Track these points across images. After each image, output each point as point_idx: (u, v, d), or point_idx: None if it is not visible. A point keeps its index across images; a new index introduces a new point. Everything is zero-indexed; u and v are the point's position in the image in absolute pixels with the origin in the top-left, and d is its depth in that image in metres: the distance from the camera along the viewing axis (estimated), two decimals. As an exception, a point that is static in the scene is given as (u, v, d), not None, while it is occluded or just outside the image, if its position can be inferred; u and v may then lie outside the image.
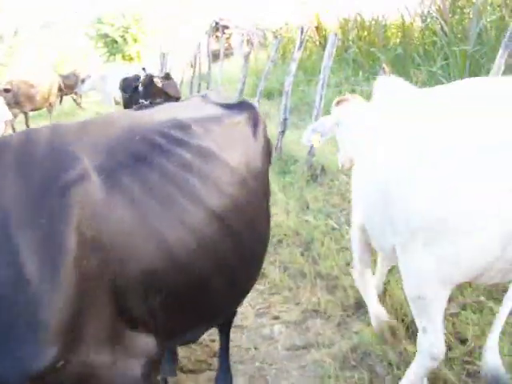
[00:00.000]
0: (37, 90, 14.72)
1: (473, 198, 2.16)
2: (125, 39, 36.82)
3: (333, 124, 4.00)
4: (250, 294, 4.55)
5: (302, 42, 7.25)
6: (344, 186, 6.16)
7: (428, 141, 2.34)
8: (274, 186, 6.35)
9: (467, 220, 2.19)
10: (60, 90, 19.23)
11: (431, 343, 2.54)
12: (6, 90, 13.64)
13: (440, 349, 2.53)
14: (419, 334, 2.60)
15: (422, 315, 2.58)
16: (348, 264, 4.59)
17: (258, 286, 4.68)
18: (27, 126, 14.52)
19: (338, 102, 3.98)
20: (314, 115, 6.90)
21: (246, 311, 4.34)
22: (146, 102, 8.43)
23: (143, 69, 12.65)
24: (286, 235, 5.42)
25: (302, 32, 7.19)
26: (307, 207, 5.94)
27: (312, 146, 6.19)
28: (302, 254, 5.00)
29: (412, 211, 2.34)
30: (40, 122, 18.08)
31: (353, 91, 8.69)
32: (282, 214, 5.79)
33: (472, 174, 2.17)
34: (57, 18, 46.18)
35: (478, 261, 2.29)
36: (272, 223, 5.62)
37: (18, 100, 14.05)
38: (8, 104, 13.87)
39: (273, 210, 5.86)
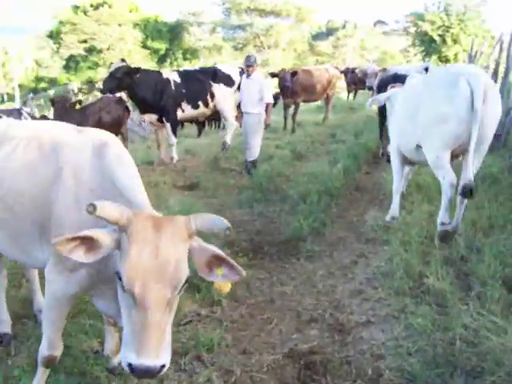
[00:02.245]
0: (316, 80, 13.80)
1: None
2: (444, 39, 34.17)
3: (385, 97, 6.74)
4: None
5: None
6: None
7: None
8: None
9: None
10: (354, 83, 18.40)
11: (447, 180, 5.12)
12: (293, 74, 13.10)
13: (452, 179, 5.06)
14: (441, 180, 5.24)
15: (438, 169, 5.25)
16: None
17: None
18: (293, 118, 13.73)
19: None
20: None
21: None
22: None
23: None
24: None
25: None
26: None
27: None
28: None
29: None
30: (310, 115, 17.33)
31: None
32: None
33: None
34: (388, 18, 46.45)
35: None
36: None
37: (294, 89, 13.31)
38: (284, 95, 13.27)
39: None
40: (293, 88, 13.20)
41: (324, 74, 14.03)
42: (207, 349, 3.80)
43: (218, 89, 11.00)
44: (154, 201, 7.74)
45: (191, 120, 12.59)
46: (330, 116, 15.08)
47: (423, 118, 5.33)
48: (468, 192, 4.87)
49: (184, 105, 10.75)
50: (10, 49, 46.78)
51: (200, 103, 10.93)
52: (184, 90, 10.68)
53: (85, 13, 58.15)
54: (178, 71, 11.09)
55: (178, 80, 10.67)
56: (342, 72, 19.80)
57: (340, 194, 7.34)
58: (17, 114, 8.24)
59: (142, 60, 53.91)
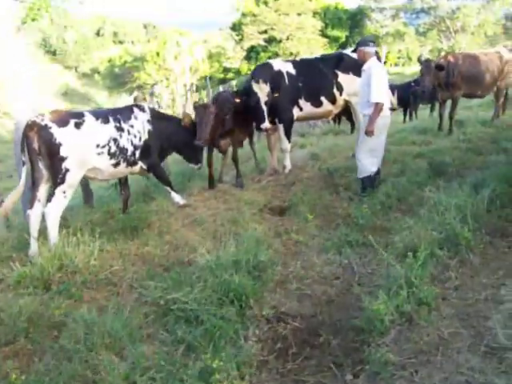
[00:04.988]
0: (484, 68, 10.78)
1: None
2: None
3: None
4: None
5: None
6: None
7: None
8: None
9: None
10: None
11: None
12: (439, 67, 10.28)
13: None
14: None
15: None
16: None
17: None
18: (451, 116, 10.84)
19: None
20: None
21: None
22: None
23: None
24: None
25: None
26: None
27: None
28: None
29: None
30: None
31: None
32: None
33: None
34: None
35: None
36: None
37: (453, 79, 10.52)
38: (440, 85, 10.66)
39: None
40: (449, 79, 10.44)
41: (494, 61, 10.88)
42: None
43: (347, 79, 8.79)
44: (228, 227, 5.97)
45: (317, 119, 10.44)
46: (501, 114, 11.84)
47: None
48: None
49: (302, 102, 8.73)
50: (183, 42, 48.32)
51: (323, 99, 8.81)
52: (301, 84, 8.66)
53: (266, 4, 58.41)
54: (292, 61, 9.06)
55: (293, 71, 8.67)
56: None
57: (472, 245, 4.81)
58: (127, 113, 6.94)
59: (321, 48, 52.70)
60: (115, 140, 6.50)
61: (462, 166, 7.95)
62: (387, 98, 6.97)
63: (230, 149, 8.57)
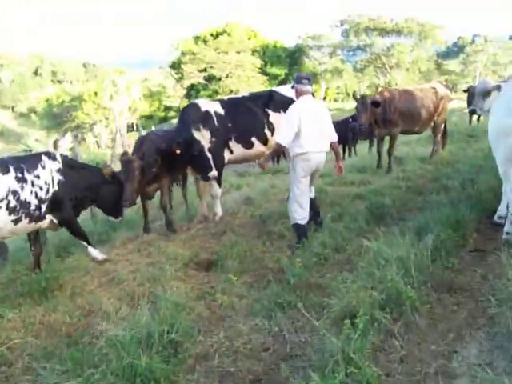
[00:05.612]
0: (420, 104, 10.56)
1: None
2: None
3: None
4: None
5: None
6: None
7: None
8: None
9: None
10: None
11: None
12: (375, 104, 9.94)
13: None
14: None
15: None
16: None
17: None
18: (389, 154, 10.52)
19: None
20: None
21: None
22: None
23: None
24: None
25: None
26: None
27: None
28: None
29: None
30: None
31: None
32: None
33: None
34: None
35: None
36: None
37: (390, 117, 10.23)
38: (377, 122, 10.30)
39: None
40: (386, 115, 10.15)
41: (430, 96, 10.69)
42: None
43: (278, 118, 8.18)
44: (147, 287, 5.13)
45: (248, 161, 9.81)
46: (440, 150, 11.63)
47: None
48: None
49: (232, 144, 8.14)
50: (120, 81, 47.51)
51: (254, 140, 8.26)
52: (230, 125, 8.09)
53: (205, 42, 58.70)
54: (220, 101, 8.49)
55: (221, 111, 8.10)
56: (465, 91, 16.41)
57: (417, 305, 4.24)
58: (33, 162, 6.13)
59: (261, 86, 53.06)
60: (15, 193, 5.70)
61: (403, 208, 7.51)
62: (312, 140, 6.35)
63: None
